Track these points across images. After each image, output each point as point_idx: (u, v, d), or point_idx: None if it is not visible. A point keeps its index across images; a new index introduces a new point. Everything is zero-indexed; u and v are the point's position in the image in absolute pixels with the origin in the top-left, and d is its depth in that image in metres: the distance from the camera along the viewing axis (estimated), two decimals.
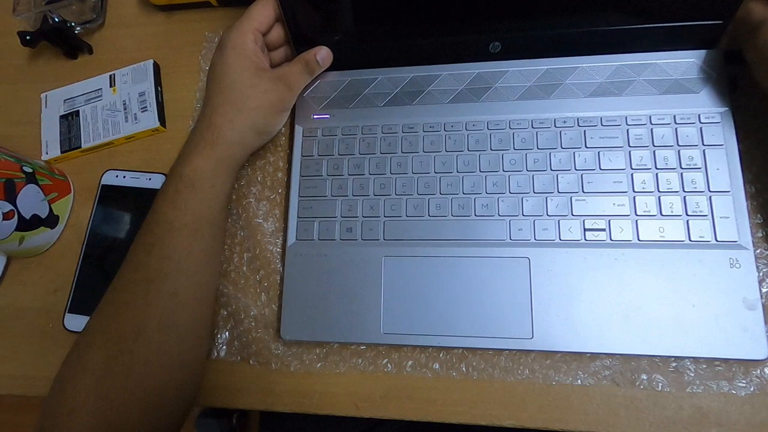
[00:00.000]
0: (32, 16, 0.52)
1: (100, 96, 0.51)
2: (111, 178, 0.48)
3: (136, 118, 0.50)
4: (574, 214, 0.39)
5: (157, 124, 0.49)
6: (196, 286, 0.38)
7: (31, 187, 0.45)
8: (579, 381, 0.37)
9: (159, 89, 0.51)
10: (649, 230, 0.38)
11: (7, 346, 0.46)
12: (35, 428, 0.33)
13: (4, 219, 0.42)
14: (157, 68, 0.51)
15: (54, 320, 0.45)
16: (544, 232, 0.39)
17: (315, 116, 0.45)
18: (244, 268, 0.43)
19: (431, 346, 0.39)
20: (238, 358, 0.41)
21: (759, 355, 0.35)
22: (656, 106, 0.40)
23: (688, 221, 0.37)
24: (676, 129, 0.39)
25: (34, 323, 0.46)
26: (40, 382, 0.44)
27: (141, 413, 0.34)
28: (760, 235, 0.38)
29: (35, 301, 0.46)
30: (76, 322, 0.44)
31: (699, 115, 0.39)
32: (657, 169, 0.39)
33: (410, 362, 0.39)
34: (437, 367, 0.39)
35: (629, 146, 0.40)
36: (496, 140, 0.41)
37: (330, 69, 0.44)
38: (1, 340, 0.46)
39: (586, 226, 0.38)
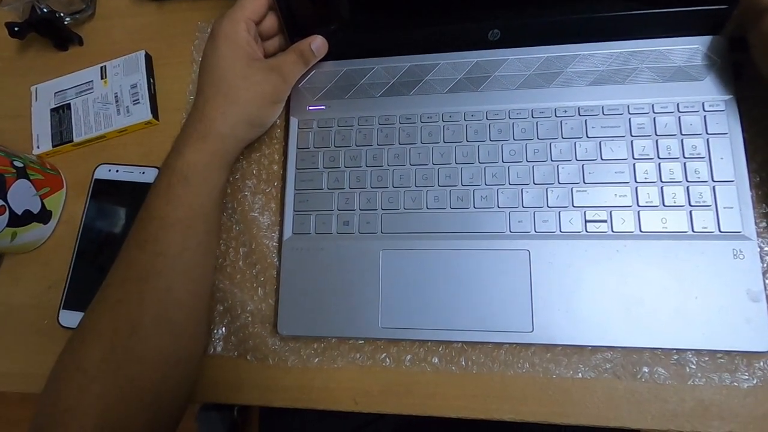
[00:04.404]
0: (20, 6, 0.50)
1: (92, 88, 0.50)
2: (104, 173, 0.47)
3: (128, 111, 0.49)
4: (574, 205, 0.38)
5: (150, 116, 0.48)
6: (191, 281, 0.37)
7: (23, 182, 0.44)
8: (580, 374, 0.37)
9: (151, 81, 0.50)
10: (652, 221, 0.37)
11: (2, 343, 0.45)
12: (31, 426, 0.33)
13: None
14: (149, 59, 0.50)
15: (49, 317, 0.44)
16: (544, 223, 0.38)
17: (310, 107, 0.44)
18: (240, 263, 0.43)
19: (430, 340, 0.39)
20: (235, 353, 0.41)
21: (762, 347, 0.34)
22: (659, 94, 0.39)
23: (691, 212, 0.37)
24: (679, 117, 0.38)
25: (29, 320, 0.45)
26: (36, 379, 0.42)
27: (137, 410, 0.34)
28: (764, 225, 0.37)
29: (29, 297, 0.46)
30: (71, 318, 0.43)
31: (703, 103, 0.38)
32: (659, 158, 0.38)
33: (409, 356, 0.39)
34: (436, 361, 0.38)
35: (631, 135, 0.39)
36: (496, 130, 0.41)
37: (325, 59, 0.43)
38: None
39: (587, 218, 0.38)
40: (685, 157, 0.38)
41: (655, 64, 0.40)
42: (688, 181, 0.37)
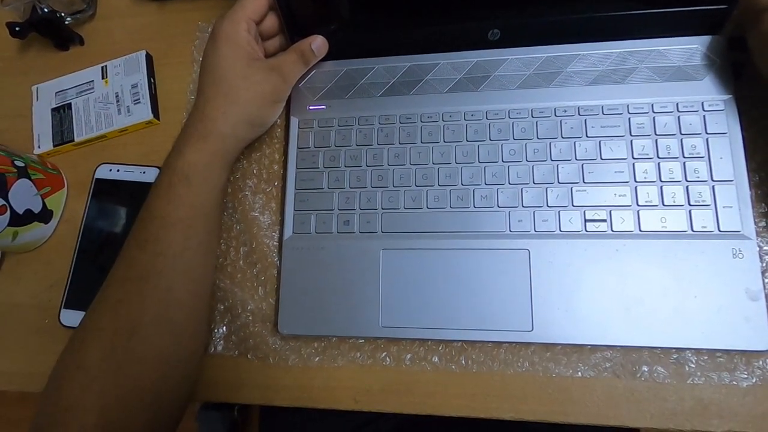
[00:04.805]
0: (21, 6, 0.51)
1: (92, 88, 0.50)
2: (105, 172, 0.47)
3: (129, 111, 0.49)
4: (574, 204, 0.38)
5: (151, 116, 0.48)
6: (192, 281, 0.37)
7: (24, 181, 0.44)
8: (579, 373, 0.37)
9: (152, 81, 0.50)
10: (651, 220, 0.37)
11: (3, 342, 0.45)
12: (31, 425, 0.33)
13: None
14: (149, 59, 0.50)
15: (50, 316, 0.44)
16: (544, 223, 0.38)
17: (311, 107, 0.44)
18: (241, 262, 0.43)
19: (430, 339, 0.39)
20: (236, 352, 0.41)
21: (761, 346, 0.34)
22: (658, 93, 0.39)
23: (690, 211, 0.37)
24: (678, 117, 0.39)
25: (30, 319, 0.45)
26: (37, 378, 0.43)
27: (138, 409, 0.34)
28: (763, 224, 0.37)
29: (31, 297, 0.46)
30: (73, 317, 0.44)
31: (702, 103, 0.38)
32: (659, 158, 0.38)
33: (409, 355, 0.39)
34: (436, 360, 0.38)
35: (631, 135, 0.39)
36: (496, 130, 0.41)
37: (325, 59, 0.43)
38: None
39: (586, 217, 0.38)
40: (684, 157, 0.38)
41: (654, 64, 0.40)
42: (687, 181, 0.37)
